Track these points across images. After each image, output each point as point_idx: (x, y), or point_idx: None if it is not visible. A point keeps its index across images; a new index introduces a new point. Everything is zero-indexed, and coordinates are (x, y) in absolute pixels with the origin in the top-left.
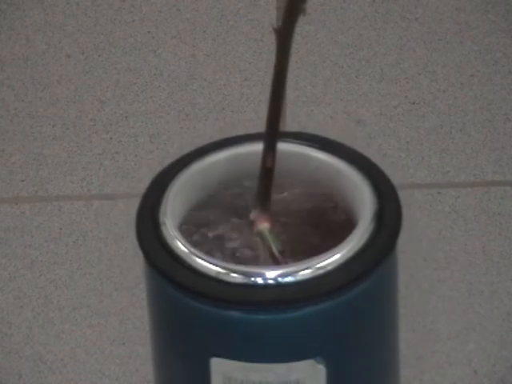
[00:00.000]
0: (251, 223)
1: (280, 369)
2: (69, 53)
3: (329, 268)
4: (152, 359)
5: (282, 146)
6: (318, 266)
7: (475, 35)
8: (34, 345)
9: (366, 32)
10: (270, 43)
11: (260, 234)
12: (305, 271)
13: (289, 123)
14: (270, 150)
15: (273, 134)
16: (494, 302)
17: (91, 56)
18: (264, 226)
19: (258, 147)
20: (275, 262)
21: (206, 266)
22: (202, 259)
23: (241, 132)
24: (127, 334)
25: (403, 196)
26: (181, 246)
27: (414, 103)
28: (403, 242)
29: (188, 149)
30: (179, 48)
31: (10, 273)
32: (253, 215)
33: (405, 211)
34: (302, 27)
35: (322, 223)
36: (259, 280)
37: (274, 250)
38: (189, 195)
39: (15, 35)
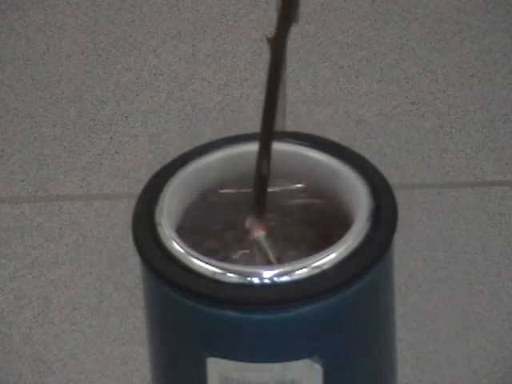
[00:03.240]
0: (247, 231)
1: (276, 368)
2: (69, 53)
3: (325, 267)
4: (149, 359)
5: (279, 146)
6: (313, 265)
7: (475, 35)
8: (34, 345)
9: (366, 32)
10: None
11: (256, 242)
12: (301, 270)
13: (289, 123)
14: (264, 157)
15: (267, 141)
16: (494, 302)
17: (91, 56)
18: (260, 233)
19: (254, 147)
20: None
21: (202, 266)
22: (198, 259)
23: (241, 132)
24: (127, 334)
25: (403, 196)
26: (177, 247)
27: (413, 103)
28: (403, 241)
29: (188, 149)
30: (179, 48)
31: (10, 273)
32: (248, 223)
33: (405, 211)
34: (302, 27)
35: (318, 222)
36: (255, 280)
37: (271, 257)
38: (185, 195)
39: (15, 35)
